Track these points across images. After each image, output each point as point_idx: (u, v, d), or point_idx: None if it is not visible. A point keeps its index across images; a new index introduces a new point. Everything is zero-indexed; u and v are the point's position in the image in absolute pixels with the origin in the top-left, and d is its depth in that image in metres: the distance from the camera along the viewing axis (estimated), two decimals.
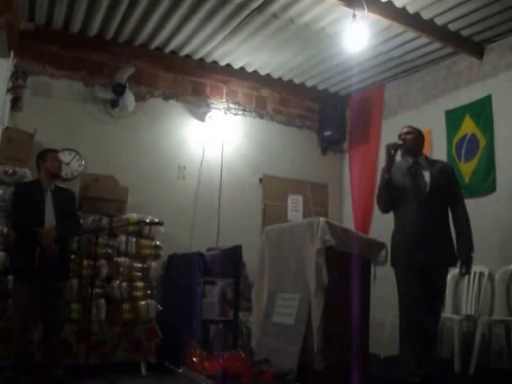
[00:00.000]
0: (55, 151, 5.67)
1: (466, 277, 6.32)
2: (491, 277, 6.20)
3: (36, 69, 6.92)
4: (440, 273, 4.93)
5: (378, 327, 5.85)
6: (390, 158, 5.05)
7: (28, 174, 5.85)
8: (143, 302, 6.16)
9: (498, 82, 6.69)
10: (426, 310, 4.74)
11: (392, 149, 5.05)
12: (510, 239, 6.13)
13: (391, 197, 5.10)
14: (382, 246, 5.05)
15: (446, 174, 5.12)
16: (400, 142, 5.12)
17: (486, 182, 6.50)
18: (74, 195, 5.80)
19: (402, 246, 4.97)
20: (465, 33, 6.65)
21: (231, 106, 8.24)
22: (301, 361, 4.53)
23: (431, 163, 5.20)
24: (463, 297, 6.36)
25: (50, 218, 5.32)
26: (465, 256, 4.90)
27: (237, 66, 7.92)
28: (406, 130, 5.22)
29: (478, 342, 5.67)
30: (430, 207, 4.93)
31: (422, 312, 4.72)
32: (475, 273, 6.28)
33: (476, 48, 6.90)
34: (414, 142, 5.14)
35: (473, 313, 6.14)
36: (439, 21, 6.39)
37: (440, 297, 5.00)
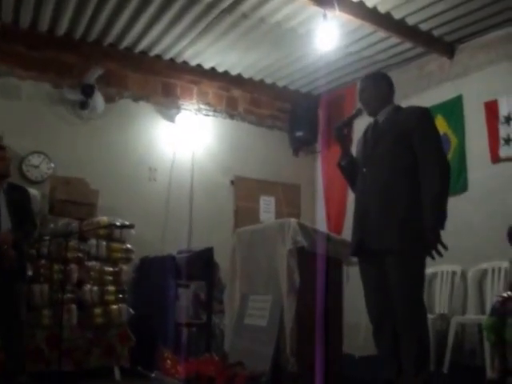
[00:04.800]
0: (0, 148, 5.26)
1: (439, 276, 6.38)
2: (464, 276, 6.25)
3: (3, 70, 6.78)
4: (393, 262, 3.75)
5: (353, 328, 5.86)
6: (341, 140, 4.19)
7: None
8: (115, 306, 6.08)
9: (468, 82, 6.76)
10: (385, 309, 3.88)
11: (339, 130, 4.16)
12: (481, 238, 6.16)
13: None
14: None
15: (403, 121, 3.90)
16: (352, 114, 4.20)
17: (457, 181, 6.52)
18: (27, 193, 5.37)
19: (352, 230, 4.13)
20: (436, 33, 6.69)
21: (202, 106, 8.16)
22: (274, 363, 4.51)
23: (395, 112, 4.04)
24: (436, 296, 6.40)
25: (4, 220, 4.96)
26: (428, 233, 3.64)
27: (207, 66, 7.85)
28: (359, 87, 4.23)
29: (452, 340, 5.73)
30: (374, 172, 3.92)
31: (378, 311, 3.95)
32: (448, 272, 6.33)
33: (447, 48, 6.96)
34: (371, 99, 4.08)
35: (446, 312, 6.18)
36: (410, 21, 6.42)
37: (401, 295, 3.75)
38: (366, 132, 4.18)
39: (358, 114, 4.17)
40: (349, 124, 4.18)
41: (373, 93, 4.08)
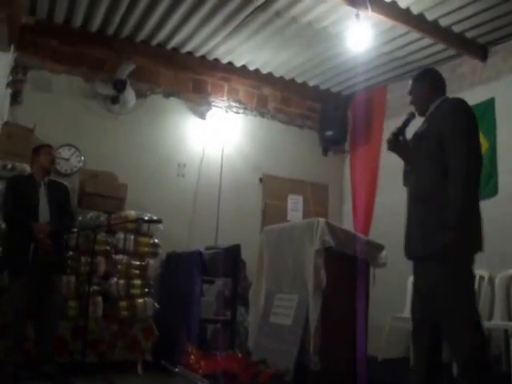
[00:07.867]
0: (49, 146, 5.62)
1: None
2: (491, 281, 6.17)
3: (36, 63, 6.86)
4: (429, 267, 3.59)
5: (377, 330, 5.83)
6: (398, 150, 3.97)
7: (27, 169, 5.80)
8: (140, 300, 6.12)
9: (501, 86, 6.66)
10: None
11: (394, 140, 3.93)
12: (510, 243, 6.09)
13: None
14: (381, 247, 5.00)
15: (437, 119, 3.76)
16: (404, 120, 3.97)
17: (487, 185, 6.44)
18: (67, 189, 5.73)
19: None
20: (469, 35, 6.62)
21: (232, 104, 8.18)
22: (298, 362, 4.51)
23: (435, 109, 3.87)
24: None
25: (44, 212, 5.26)
26: (450, 233, 3.40)
27: (239, 63, 7.88)
28: (408, 90, 4.05)
29: None
30: (418, 173, 3.79)
31: (418, 323, 3.80)
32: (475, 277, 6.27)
33: (480, 50, 6.88)
34: (417, 99, 3.97)
35: None
36: (443, 22, 6.36)
37: (439, 304, 3.56)
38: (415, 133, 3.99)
39: (411, 118, 3.98)
40: (403, 130, 3.96)
41: (418, 93, 3.97)
